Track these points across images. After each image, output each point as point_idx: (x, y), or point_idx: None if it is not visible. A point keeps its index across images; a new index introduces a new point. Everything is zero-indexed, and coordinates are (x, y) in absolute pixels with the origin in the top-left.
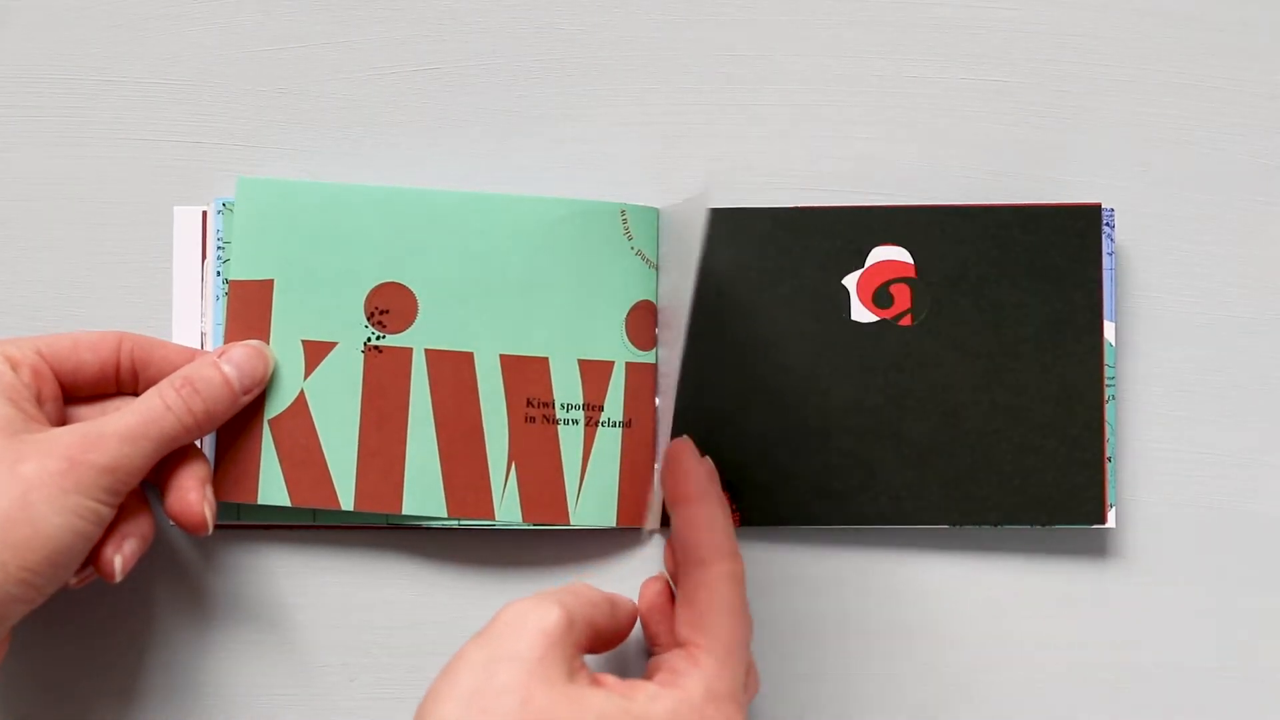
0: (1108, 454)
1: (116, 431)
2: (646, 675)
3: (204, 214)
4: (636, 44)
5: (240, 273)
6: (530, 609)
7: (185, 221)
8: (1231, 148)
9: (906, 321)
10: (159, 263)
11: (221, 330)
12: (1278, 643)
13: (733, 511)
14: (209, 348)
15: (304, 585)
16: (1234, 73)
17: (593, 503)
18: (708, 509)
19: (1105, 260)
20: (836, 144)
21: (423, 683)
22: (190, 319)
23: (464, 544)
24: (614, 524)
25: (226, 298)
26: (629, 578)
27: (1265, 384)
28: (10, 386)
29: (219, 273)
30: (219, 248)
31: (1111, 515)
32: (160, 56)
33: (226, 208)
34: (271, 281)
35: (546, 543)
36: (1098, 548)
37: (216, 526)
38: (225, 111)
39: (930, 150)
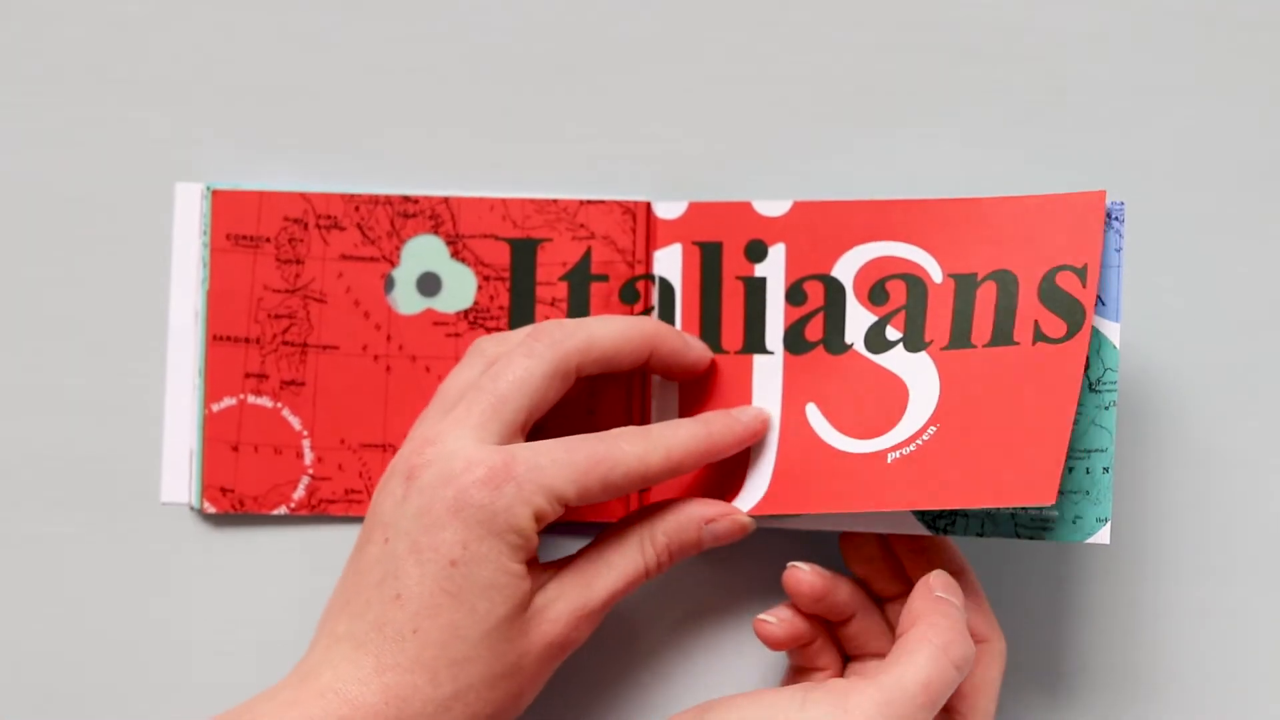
0: (1104, 465)
1: (580, 613)
2: None
3: (202, 191)
4: (637, 43)
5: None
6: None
7: (185, 198)
8: (1233, 148)
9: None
10: (156, 263)
11: (204, 314)
12: (1278, 644)
13: None
14: (200, 325)
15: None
16: (1235, 72)
17: None
18: (979, 594)
19: (1113, 257)
20: (835, 145)
21: None
22: (186, 303)
23: None
24: None
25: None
26: None
27: (1266, 384)
28: (513, 577)
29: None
30: (204, 231)
31: (1105, 531)
32: (160, 56)
33: (209, 190)
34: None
35: None
36: (1091, 550)
37: (213, 516)
38: (224, 110)
39: (931, 150)
